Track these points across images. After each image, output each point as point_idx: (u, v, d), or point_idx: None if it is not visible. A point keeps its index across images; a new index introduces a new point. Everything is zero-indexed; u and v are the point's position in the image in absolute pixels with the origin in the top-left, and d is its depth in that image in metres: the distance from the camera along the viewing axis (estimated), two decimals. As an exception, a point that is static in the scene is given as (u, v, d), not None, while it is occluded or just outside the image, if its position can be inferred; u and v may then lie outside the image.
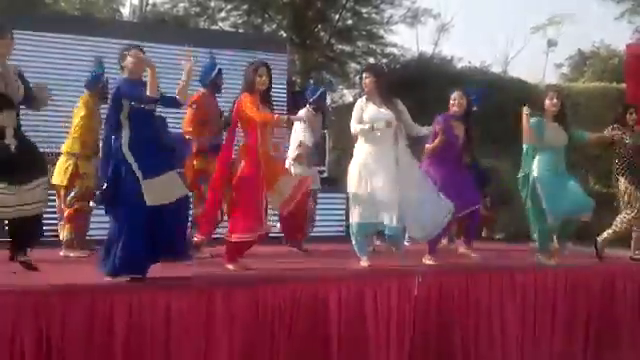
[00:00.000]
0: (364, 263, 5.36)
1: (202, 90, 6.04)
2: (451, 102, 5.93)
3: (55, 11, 19.40)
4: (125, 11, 22.68)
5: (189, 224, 5.22)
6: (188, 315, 4.17)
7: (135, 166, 4.45)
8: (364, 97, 5.50)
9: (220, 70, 6.12)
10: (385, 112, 5.34)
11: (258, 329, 4.40)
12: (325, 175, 9.10)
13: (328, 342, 4.63)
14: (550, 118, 5.89)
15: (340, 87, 21.57)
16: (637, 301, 5.72)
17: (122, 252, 4.36)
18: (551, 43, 28.94)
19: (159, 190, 4.44)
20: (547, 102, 5.93)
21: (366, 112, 5.38)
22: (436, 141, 5.77)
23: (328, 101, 7.18)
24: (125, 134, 4.53)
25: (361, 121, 5.37)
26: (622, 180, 6.32)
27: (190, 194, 4.99)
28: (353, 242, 5.46)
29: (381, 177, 5.24)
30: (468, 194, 5.82)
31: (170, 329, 4.11)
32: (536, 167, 5.83)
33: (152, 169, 4.46)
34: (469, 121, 5.99)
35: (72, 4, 21.33)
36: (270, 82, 5.31)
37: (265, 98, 5.32)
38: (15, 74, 4.43)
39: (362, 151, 5.38)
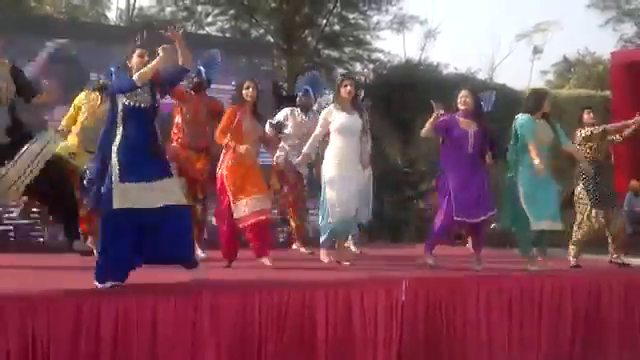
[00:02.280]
0: (326, 258, 5.97)
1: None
2: (458, 101, 5.90)
3: (39, 14, 19.29)
4: (111, 15, 22.61)
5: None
6: (175, 320, 4.14)
7: (116, 168, 4.38)
8: (333, 105, 5.94)
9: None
10: (356, 119, 5.88)
11: (245, 334, 4.38)
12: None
13: (315, 347, 4.61)
14: (539, 116, 5.98)
15: (327, 92, 21.59)
16: (623, 304, 5.76)
17: (101, 258, 4.34)
18: (537, 50, 29.18)
19: (134, 195, 4.33)
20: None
21: (337, 120, 5.82)
22: (430, 119, 5.75)
23: (315, 106, 7.23)
24: (118, 134, 4.47)
25: (326, 127, 5.86)
26: (580, 185, 6.39)
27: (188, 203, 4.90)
28: (324, 238, 5.97)
29: (353, 178, 5.78)
30: (483, 200, 5.76)
31: (157, 334, 4.08)
32: (521, 169, 5.86)
33: (134, 174, 4.37)
34: (481, 120, 5.91)
35: (57, 7, 21.22)
36: (257, 96, 5.71)
37: (254, 110, 5.73)
38: (7, 72, 4.42)
39: (334, 154, 5.82)
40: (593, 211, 6.30)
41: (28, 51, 7.48)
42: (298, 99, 7.15)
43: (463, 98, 5.88)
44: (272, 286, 4.66)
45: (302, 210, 7.23)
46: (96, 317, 3.93)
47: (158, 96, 4.64)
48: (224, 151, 5.64)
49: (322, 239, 6.04)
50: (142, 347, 4.04)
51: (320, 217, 6.00)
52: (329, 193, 5.79)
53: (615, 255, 6.48)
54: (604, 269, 6.26)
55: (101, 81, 6.16)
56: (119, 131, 4.47)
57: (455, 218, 5.69)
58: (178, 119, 6.25)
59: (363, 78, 19.30)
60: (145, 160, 4.45)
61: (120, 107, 4.49)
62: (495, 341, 5.24)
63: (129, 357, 4.00)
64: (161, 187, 4.44)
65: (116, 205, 4.30)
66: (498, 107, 7.34)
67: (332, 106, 5.93)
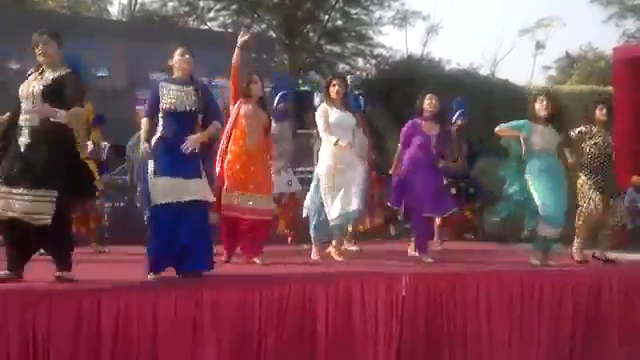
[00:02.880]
0: (317, 256, 5.97)
1: None
2: (425, 103, 6.18)
3: (42, 10, 19.30)
4: (113, 10, 22.60)
5: None
6: (175, 315, 4.15)
7: (152, 163, 4.53)
8: (325, 103, 5.95)
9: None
10: (349, 115, 5.94)
11: (246, 330, 4.39)
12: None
13: (316, 342, 4.62)
14: (541, 122, 5.91)
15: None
16: (623, 301, 5.75)
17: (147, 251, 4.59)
18: (539, 45, 29.14)
19: (167, 190, 4.47)
20: (537, 106, 5.97)
21: (332, 115, 5.84)
22: (395, 155, 6.44)
23: (317, 101, 7.30)
24: (158, 131, 4.61)
25: (328, 126, 5.82)
26: (582, 176, 6.35)
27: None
28: (316, 234, 5.97)
29: (349, 173, 5.75)
30: (444, 199, 6.24)
31: (158, 329, 4.09)
32: (529, 169, 5.86)
33: (168, 169, 4.49)
34: (444, 123, 6.31)
35: (60, 3, 21.23)
36: (263, 89, 5.84)
37: (260, 104, 5.80)
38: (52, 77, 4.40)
39: (330, 153, 5.78)
40: (592, 193, 6.23)
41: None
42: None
43: (430, 100, 6.14)
44: (272, 281, 4.67)
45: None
46: (97, 313, 3.93)
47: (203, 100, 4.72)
48: (225, 143, 5.65)
49: (314, 235, 6.02)
50: (143, 343, 4.05)
51: (312, 213, 5.99)
52: (327, 188, 5.76)
53: (598, 251, 6.39)
54: (604, 266, 6.24)
55: None
56: (159, 128, 4.61)
57: (424, 215, 6.02)
58: None
59: (365, 74, 19.27)
60: (183, 157, 4.54)
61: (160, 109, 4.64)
62: (495, 337, 5.24)
63: (130, 353, 4.01)
64: (193, 185, 4.57)
65: (154, 200, 4.51)
66: (501, 102, 7.40)
67: (324, 104, 5.94)
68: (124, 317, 4.00)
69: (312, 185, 6.07)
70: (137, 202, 6.87)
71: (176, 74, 4.72)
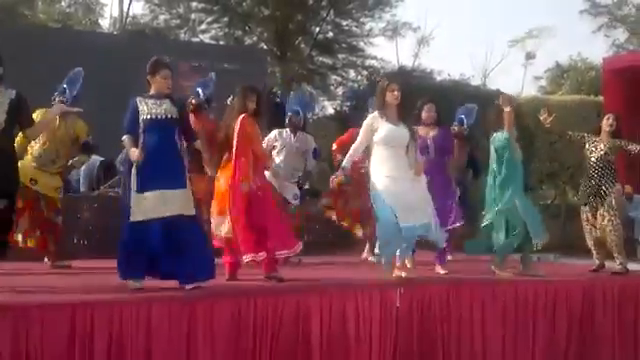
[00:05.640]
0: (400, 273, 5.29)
1: None
2: (423, 111, 6.13)
3: (33, 23, 19.30)
4: (105, 23, 22.61)
5: None
6: (169, 327, 4.14)
7: (134, 178, 4.53)
8: (378, 112, 5.32)
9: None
10: (402, 129, 5.28)
11: (240, 342, 4.37)
12: (307, 187, 9.08)
13: (310, 354, 4.61)
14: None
15: (321, 99, 21.65)
16: (617, 312, 5.76)
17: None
18: (529, 56, 29.33)
19: (148, 205, 4.48)
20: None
21: (382, 128, 5.23)
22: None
23: (310, 114, 7.24)
24: (139, 145, 4.61)
25: (370, 138, 5.26)
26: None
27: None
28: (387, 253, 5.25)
29: (407, 184, 5.17)
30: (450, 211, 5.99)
31: (151, 342, 4.08)
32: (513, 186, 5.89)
33: (150, 182, 4.50)
34: (441, 126, 6.15)
35: (51, 15, 21.23)
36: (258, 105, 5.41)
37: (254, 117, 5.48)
38: (7, 100, 4.47)
39: (383, 165, 5.23)
40: (582, 208, 6.30)
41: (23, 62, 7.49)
42: (288, 119, 7.12)
43: (428, 113, 6.08)
44: (266, 293, 4.66)
45: None
46: (90, 327, 3.92)
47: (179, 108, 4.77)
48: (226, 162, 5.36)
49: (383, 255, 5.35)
50: (136, 354, 4.03)
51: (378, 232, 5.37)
52: (386, 204, 5.12)
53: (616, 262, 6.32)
54: (597, 275, 6.24)
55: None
56: (140, 141, 4.62)
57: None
58: None
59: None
60: (165, 167, 4.57)
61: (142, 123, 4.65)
62: (489, 347, 5.24)
63: (123, 366, 3.99)
64: (174, 197, 4.57)
65: (132, 218, 4.51)
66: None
67: (376, 113, 5.34)
68: (118, 330, 3.99)
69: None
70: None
71: (153, 91, 4.78)
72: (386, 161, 5.23)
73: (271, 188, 5.54)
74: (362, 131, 5.36)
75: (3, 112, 4.46)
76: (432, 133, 6.05)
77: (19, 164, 4.94)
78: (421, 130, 5.97)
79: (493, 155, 5.96)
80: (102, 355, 3.94)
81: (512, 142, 5.86)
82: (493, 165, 5.94)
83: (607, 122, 6.39)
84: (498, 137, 5.93)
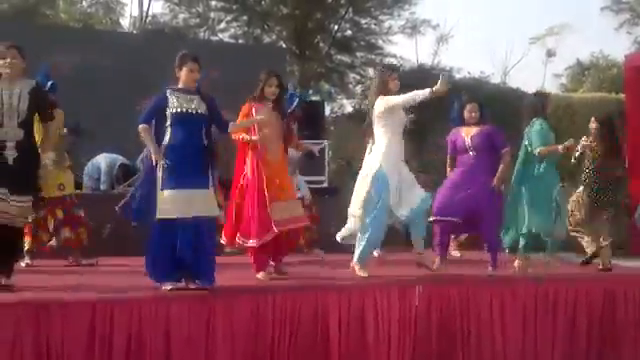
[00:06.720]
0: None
1: None
2: (466, 111, 6.01)
3: (54, 22, 19.48)
4: (125, 22, 22.76)
5: None
6: (188, 325, 4.16)
7: (159, 175, 4.47)
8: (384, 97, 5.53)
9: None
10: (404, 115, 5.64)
11: (259, 339, 4.39)
12: (325, 185, 9.08)
13: (329, 352, 4.61)
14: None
15: (339, 97, 21.64)
16: (639, 311, 5.69)
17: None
18: (550, 53, 29.04)
19: (176, 203, 4.41)
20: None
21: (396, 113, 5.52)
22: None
23: (327, 111, 7.19)
24: (165, 139, 4.56)
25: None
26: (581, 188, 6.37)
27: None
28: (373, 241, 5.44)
29: (405, 170, 5.54)
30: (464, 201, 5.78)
31: (170, 340, 4.10)
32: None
33: (177, 180, 4.42)
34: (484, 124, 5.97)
35: (72, 15, 21.40)
36: (281, 92, 5.40)
37: (276, 107, 5.38)
38: (28, 91, 4.48)
39: (391, 149, 5.42)
40: (582, 190, 6.29)
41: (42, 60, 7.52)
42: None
43: (469, 113, 5.96)
44: (285, 290, 4.66)
45: None
46: (109, 324, 3.95)
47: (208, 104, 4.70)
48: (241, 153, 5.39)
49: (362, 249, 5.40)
50: (155, 352, 4.07)
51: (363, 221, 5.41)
52: (381, 192, 5.30)
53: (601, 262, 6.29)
54: (618, 274, 6.18)
55: None
56: (167, 138, 4.56)
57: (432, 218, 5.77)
58: None
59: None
60: (192, 167, 4.50)
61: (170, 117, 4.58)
62: (509, 346, 5.20)
63: (142, 363, 4.02)
64: (202, 196, 4.51)
65: (158, 214, 4.44)
66: (511, 111, 7.30)
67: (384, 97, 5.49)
68: (137, 328, 4.02)
69: None
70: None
71: (182, 84, 4.68)
72: (394, 146, 5.43)
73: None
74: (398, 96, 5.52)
75: (25, 100, 4.47)
76: (472, 132, 5.88)
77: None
78: (463, 131, 5.91)
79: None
80: (121, 352, 3.97)
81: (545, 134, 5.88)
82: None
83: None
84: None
